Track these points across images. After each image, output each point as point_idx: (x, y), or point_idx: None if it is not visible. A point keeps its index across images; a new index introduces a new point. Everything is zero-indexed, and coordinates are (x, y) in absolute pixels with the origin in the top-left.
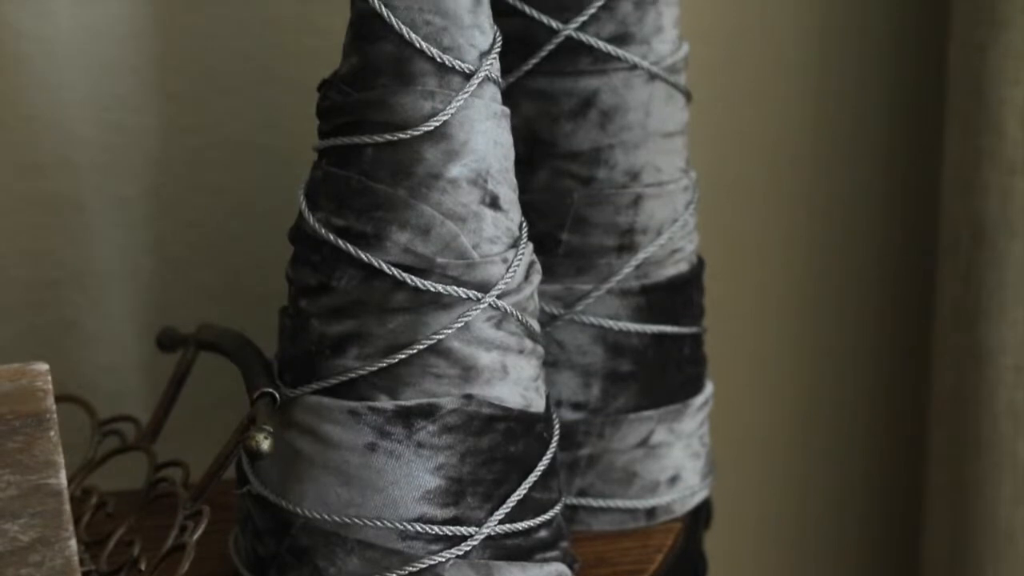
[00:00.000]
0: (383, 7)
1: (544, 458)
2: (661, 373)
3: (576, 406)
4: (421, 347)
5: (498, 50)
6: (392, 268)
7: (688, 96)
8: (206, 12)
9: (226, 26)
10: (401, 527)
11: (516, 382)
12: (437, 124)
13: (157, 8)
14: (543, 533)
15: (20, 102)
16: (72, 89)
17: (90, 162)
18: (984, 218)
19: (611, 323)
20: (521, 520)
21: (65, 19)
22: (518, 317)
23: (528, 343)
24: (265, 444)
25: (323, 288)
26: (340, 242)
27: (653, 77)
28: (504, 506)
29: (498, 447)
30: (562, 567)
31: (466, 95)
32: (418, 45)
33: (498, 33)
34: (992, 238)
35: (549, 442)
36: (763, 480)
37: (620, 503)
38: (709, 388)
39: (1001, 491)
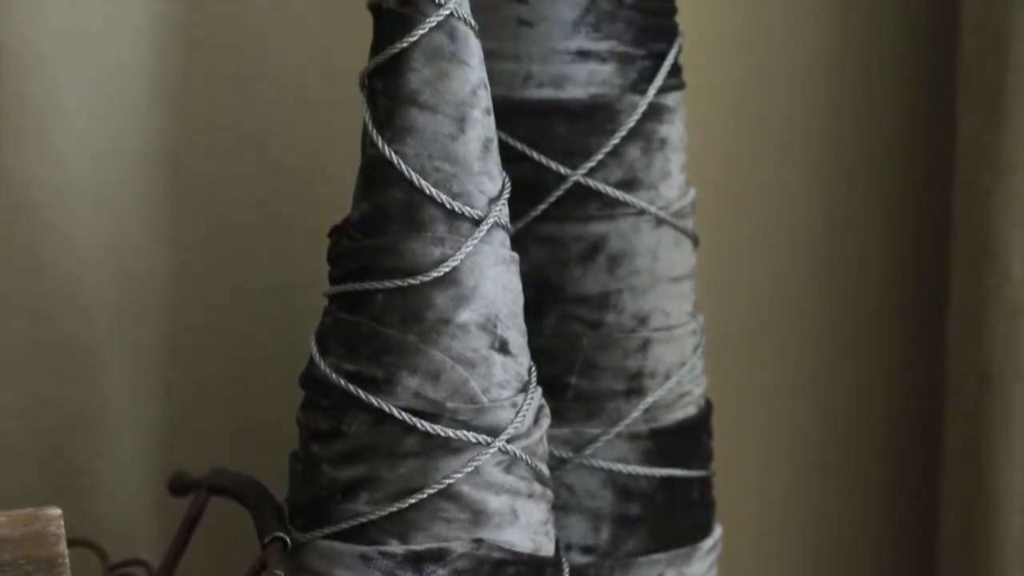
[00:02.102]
0: (393, 154)
1: None
2: (670, 516)
3: (586, 550)
4: (431, 491)
5: (507, 196)
6: (402, 413)
7: (696, 241)
8: (217, 159)
9: (237, 173)
10: None
11: (526, 526)
12: (447, 270)
13: (169, 157)
14: None
15: (32, 248)
16: (84, 235)
17: (101, 308)
18: (991, 360)
19: (620, 467)
20: None
21: (76, 166)
22: (527, 461)
23: (538, 487)
24: None
25: (334, 433)
26: (351, 387)
27: (661, 222)
28: None
29: None
30: None
31: (475, 241)
32: (428, 192)
33: (507, 179)
34: (999, 379)
35: None
36: None
37: None
38: (718, 531)
39: None
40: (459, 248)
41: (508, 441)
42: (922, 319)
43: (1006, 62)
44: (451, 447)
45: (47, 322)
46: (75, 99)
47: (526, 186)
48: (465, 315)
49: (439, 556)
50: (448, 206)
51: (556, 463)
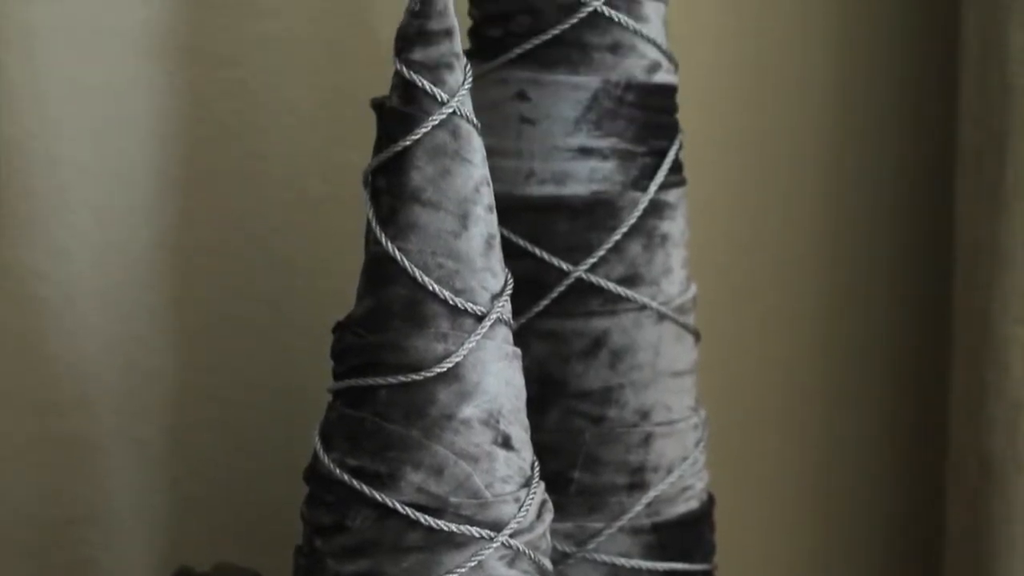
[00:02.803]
0: (396, 251)
1: None
2: None
3: None
4: None
5: (510, 292)
6: (406, 508)
7: (697, 336)
8: (220, 255)
9: (240, 268)
10: None
11: None
12: (450, 366)
13: (173, 252)
14: None
15: (38, 343)
16: (89, 330)
17: (106, 402)
18: (991, 451)
19: (623, 561)
20: None
21: (81, 261)
22: (531, 556)
23: None
24: None
25: (338, 527)
26: (354, 482)
27: (663, 318)
28: None
29: None
30: None
31: (478, 337)
32: (431, 288)
33: (509, 275)
34: (999, 471)
35: None
36: None
37: None
38: None
39: None
40: (462, 344)
41: (511, 536)
42: (924, 409)
43: (1005, 156)
44: (455, 542)
45: (52, 416)
46: (80, 195)
47: (528, 282)
48: (468, 410)
49: None
50: (451, 302)
51: (559, 557)
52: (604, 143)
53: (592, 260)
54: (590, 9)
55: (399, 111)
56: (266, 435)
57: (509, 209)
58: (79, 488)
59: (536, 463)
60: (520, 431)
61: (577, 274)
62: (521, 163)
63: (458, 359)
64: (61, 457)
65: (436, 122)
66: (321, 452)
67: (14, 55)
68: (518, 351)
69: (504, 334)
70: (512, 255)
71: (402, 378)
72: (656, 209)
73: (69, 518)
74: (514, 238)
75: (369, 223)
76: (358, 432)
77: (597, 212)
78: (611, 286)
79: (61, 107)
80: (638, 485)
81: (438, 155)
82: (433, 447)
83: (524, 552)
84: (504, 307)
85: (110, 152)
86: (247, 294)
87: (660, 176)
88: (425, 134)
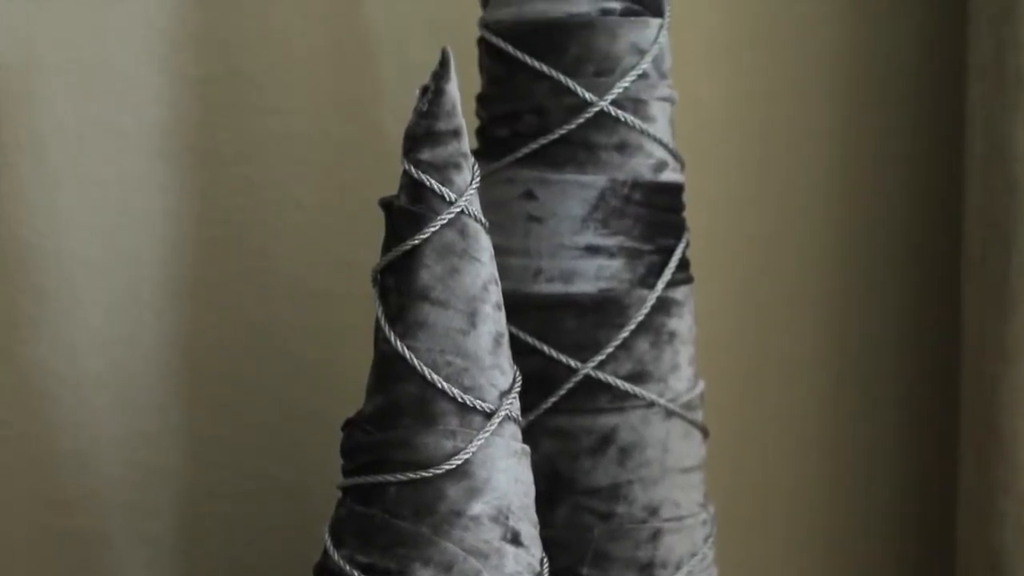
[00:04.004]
0: (405, 349)
1: None
2: None
3: None
4: None
5: (518, 389)
6: None
7: (705, 432)
8: (230, 352)
9: (250, 366)
10: None
11: None
12: (459, 463)
13: (182, 349)
14: None
15: (49, 440)
16: (99, 428)
17: (115, 498)
18: (1000, 547)
19: None
20: None
21: (91, 358)
22: None
23: None
24: None
25: None
26: None
27: (670, 414)
28: None
29: None
30: None
31: (487, 434)
32: (440, 386)
33: (518, 373)
34: (1010, 568)
35: None
36: None
37: None
38: None
39: None
40: (471, 441)
41: None
42: (932, 506)
43: (1010, 254)
44: None
45: (61, 512)
46: (90, 293)
47: (537, 379)
48: (477, 507)
49: None
50: (460, 400)
51: None
52: (611, 241)
53: (600, 357)
54: (597, 109)
55: (407, 210)
56: (276, 532)
57: (517, 307)
58: None
59: (545, 559)
60: (529, 527)
61: (585, 371)
62: (529, 261)
63: (467, 456)
64: (71, 553)
65: (444, 221)
66: (331, 549)
67: (25, 156)
68: (527, 448)
69: (513, 431)
70: (520, 352)
71: (411, 475)
72: (663, 306)
73: None
74: (522, 335)
75: (378, 321)
76: (368, 529)
77: (605, 310)
78: (619, 383)
79: (71, 206)
80: None
81: (446, 254)
82: (443, 544)
83: None
84: (513, 404)
85: (119, 250)
86: (256, 391)
87: (667, 274)
88: (433, 233)
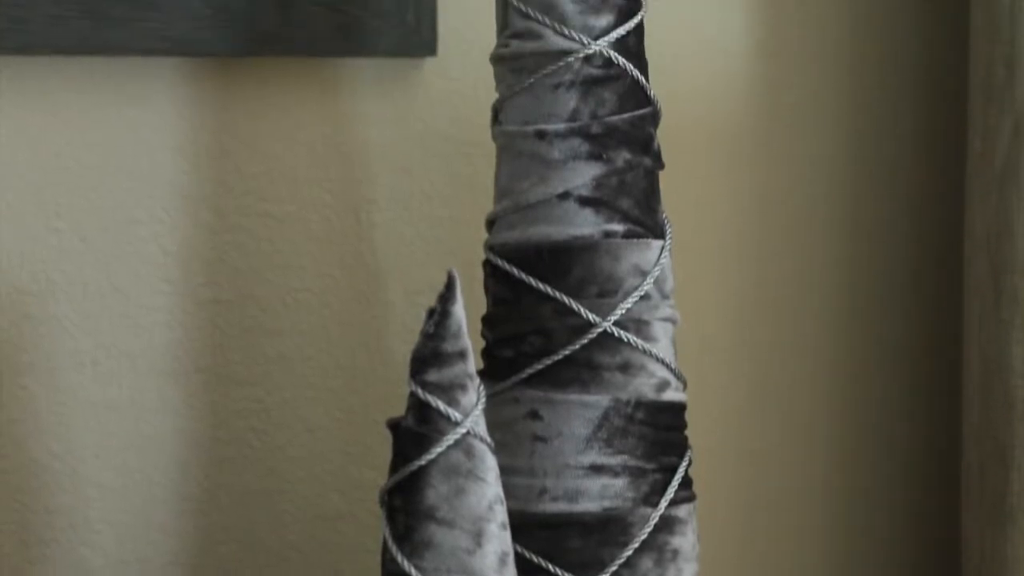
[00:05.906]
0: (412, 568)
1: None
2: None
3: None
4: None
5: None
6: None
7: None
8: (240, 571)
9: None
10: None
11: None
12: None
13: (194, 569)
14: None
15: None
16: None
17: None
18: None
19: None
20: None
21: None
22: None
23: None
24: None
25: None
26: None
27: None
28: None
29: None
30: None
31: None
32: None
33: None
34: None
35: None
36: None
37: None
38: None
39: None
40: None
41: None
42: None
43: (1009, 472)
44: None
45: None
46: (102, 514)
47: None
48: None
49: None
50: None
51: None
52: (615, 460)
53: None
54: (600, 330)
55: (414, 431)
56: None
57: (523, 526)
58: None
59: None
60: None
61: None
62: (534, 481)
63: None
64: None
65: (451, 442)
66: None
67: (38, 379)
68: None
69: None
70: (526, 571)
71: None
72: (666, 525)
73: None
74: (527, 554)
75: (385, 541)
76: None
77: (609, 528)
78: None
79: (83, 428)
80: None
81: (452, 474)
82: None
83: None
84: None
85: (131, 471)
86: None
87: (670, 492)
88: (439, 454)
